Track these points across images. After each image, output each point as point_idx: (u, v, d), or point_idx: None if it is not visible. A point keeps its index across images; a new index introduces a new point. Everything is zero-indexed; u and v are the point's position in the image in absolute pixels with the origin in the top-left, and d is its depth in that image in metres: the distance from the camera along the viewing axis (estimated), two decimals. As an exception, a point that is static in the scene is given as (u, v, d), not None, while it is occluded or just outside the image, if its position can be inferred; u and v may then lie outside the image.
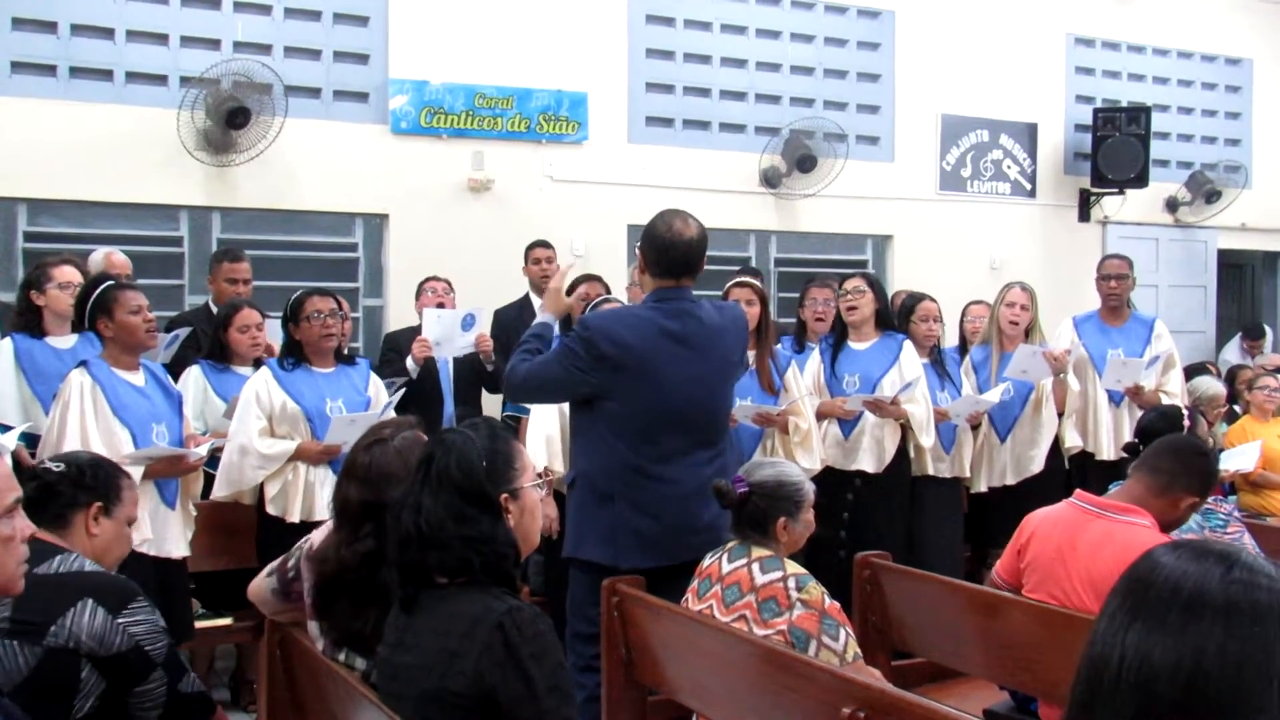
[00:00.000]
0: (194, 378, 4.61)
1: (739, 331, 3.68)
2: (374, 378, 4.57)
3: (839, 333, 5.04)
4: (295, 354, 4.32)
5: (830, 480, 4.63)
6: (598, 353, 3.38)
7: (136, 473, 3.77)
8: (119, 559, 2.64)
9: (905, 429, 4.93)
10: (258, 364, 4.61)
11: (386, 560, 2.40)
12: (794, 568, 2.93)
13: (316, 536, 2.67)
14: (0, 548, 1.82)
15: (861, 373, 4.91)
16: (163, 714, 2.39)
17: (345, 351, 5.06)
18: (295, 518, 4.15)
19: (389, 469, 2.47)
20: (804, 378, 4.84)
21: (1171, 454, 3.08)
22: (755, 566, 2.94)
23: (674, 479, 3.42)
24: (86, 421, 3.76)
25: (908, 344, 4.99)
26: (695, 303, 3.54)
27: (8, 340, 4.36)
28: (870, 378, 4.89)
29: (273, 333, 4.81)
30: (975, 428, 5.23)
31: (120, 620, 2.31)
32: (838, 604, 2.89)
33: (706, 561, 3.09)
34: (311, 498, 4.18)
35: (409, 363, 5.41)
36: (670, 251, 3.49)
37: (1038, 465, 5.27)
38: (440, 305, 5.59)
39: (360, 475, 2.50)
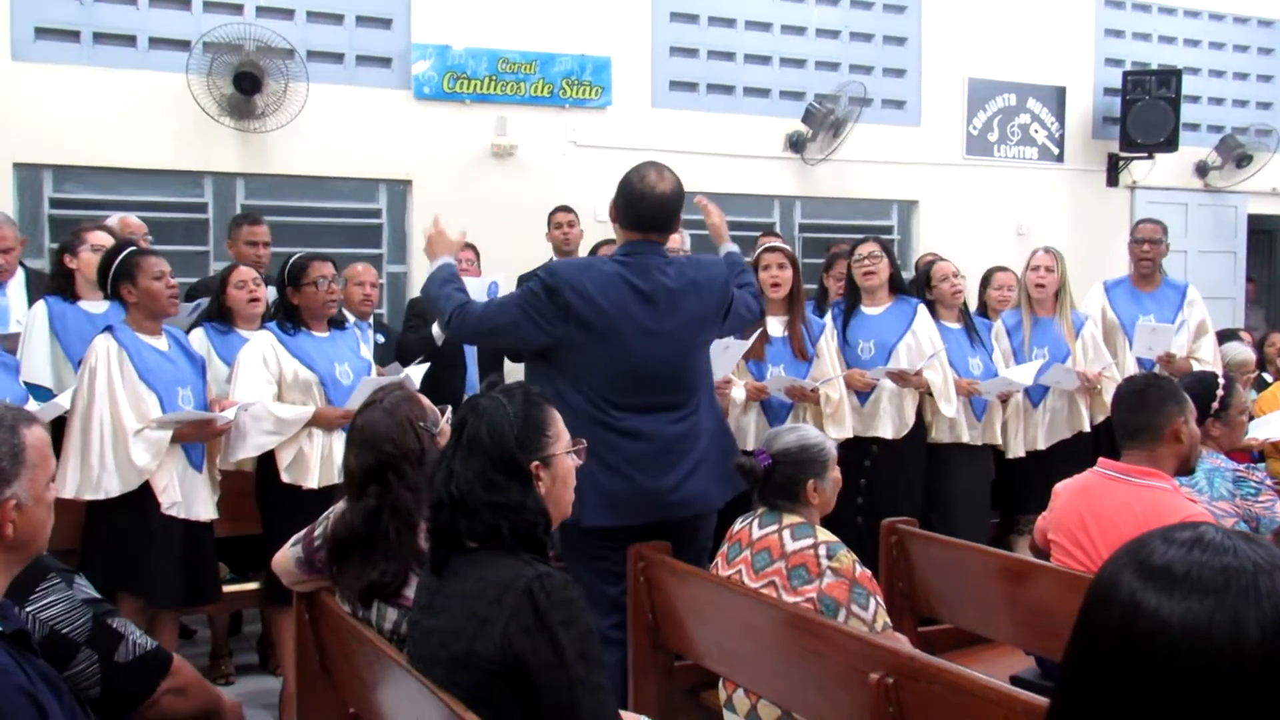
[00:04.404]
0: (197, 340, 4.51)
1: (715, 285, 3.48)
2: (362, 340, 4.54)
3: (850, 298, 5.00)
4: (293, 319, 4.25)
5: (847, 446, 4.60)
6: (562, 301, 3.24)
7: (165, 436, 3.82)
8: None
9: (923, 396, 4.92)
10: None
11: (391, 512, 2.52)
12: (825, 535, 2.90)
13: (341, 506, 2.71)
14: (45, 513, 1.88)
15: (876, 339, 4.88)
16: (104, 688, 2.17)
17: (369, 319, 5.08)
18: (313, 484, 4.11)
19: (379, 428, 2.60)
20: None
21: (1141, 406, 3.09)
22: (786, 533, 2.92)
23: (640, 433, 3.30)
24: (114, 387, 3.80)
25: (922, 308, 4.97)
26: (665, 259, 3.40)
27: (41, 303, 4.39)
28: (885, 344, 4.86)
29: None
30: (1005, 400, 5.19)
31: (29, 609, 2.08)
32: (869, 572, 2.86)
33: (737, 526, 3.07)
34: (330, 463, 4.10)
35: (434, 329, 5.39)
36: (639, 204, 3.34)
37: (1074, 428, 5.26)
38: (464, 273, 5.56)
39: (356, 440, 2.64)
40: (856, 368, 4.85)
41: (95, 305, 4.37)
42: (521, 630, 1.97)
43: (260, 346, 4.19)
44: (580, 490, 3.18)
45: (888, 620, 2.84)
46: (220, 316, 4.62)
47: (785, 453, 2.99)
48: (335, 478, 4.03)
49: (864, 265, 4.92)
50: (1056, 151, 8.80)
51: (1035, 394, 5.23)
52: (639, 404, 3.30)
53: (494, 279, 5.33)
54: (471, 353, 5.67)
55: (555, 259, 3.42)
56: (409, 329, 5.63)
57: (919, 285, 5.25)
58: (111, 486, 3.79)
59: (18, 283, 4.86)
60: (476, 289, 5.20)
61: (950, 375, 4.92)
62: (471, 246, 5.81)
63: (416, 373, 4.48)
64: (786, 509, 2.98)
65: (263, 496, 4.26)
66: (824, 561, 2.82)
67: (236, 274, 4.66)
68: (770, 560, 2.90)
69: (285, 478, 4.12)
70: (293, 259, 4.31)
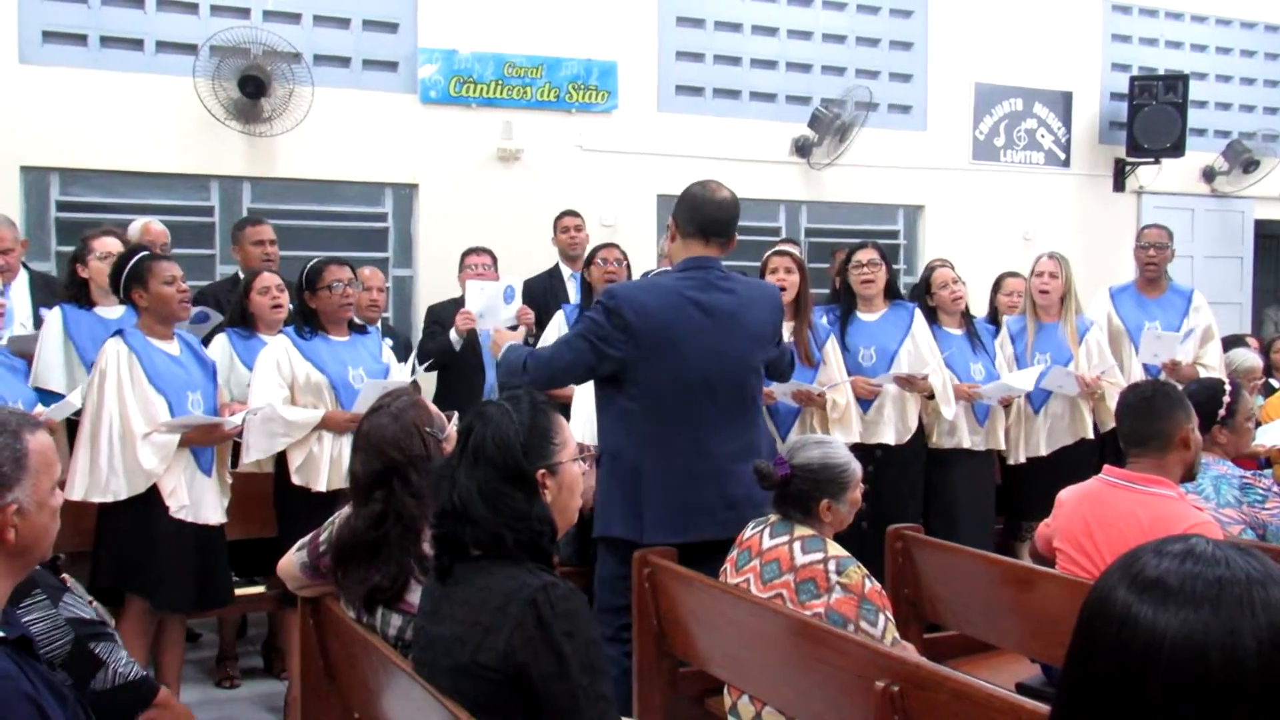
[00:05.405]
0: (220, 346, 4.61)
1: (771, 307, 3.60)
2: (385, 345, 4.57)
3: (845, 304, 4.99)
4: (311, 323, 4.30)
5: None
6: (622, 322, 3.32)
7: (173, 439, 3.83)
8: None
9: (923, 400, 4.92)
10: None
11: (396, 517, 2.52)
12: (835, 549, 2.86)
13: (346, 511, 2.71)
14: (50, 519, 1.87)
15: (877, 345, 4.87)
16: None
17: (377, 323, 5.08)
18: (322, 487, 4.15)
19: (385, 433, 2.60)
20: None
21: (1149, 414, 3.09)
22: (796, 545, 2.88)
23: (700, 452, 3.37)
24: (124, 390, 3.82)
25: (918, 313, 4.98)
26: (725, 275, 3.48)
27: (57, 310, 4.43)
28: (887, 350, 4.86)
29: None
30: (1007, 406, 5.18)
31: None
32: (879, 587, 2.82)
33: (748, 532, 3.05)
34: (340, 466, 4.14)
35: (452, 334, 5.39)
36: (703, 208, 3.45)
37: (1076, 434, 5.23)
38: (480, 277, 5.56)
39: (361, 445, 2.64)
40: (859, 375, 4.83)
41: (110, 311, 4.42)
42: (525, 640, 1.96)
43: (275, 351, 4.24)
44: (639, 507, 3.34)
45: (897, 635, 2.79)
46: (243, 322, 4.67)
47: (806, 466, 2.95)
48: (344, 481, 4.02)
49: (863, 272, 4.91)
50: (1063, 156, 8.79)
51: (1036, 400, 5.22)
52: (700, 421, 3.38)
53: (509, 284, 5.32)
54: (489, 358, 5.67)
55: (613, 283, 3.58)
56: (428, 336, 5.65)
57: (920, 291, 5.25)
58: (119, 489, 3.80)
59: (21, 284, 4.88)
60: (493, 293, 5.23)
61: (949, 378, 4.93)
62: (489, 252, 5.81)
63: (403, 371, 4.50)
64: (799, 520, 2.95)
65: (280, 500, 4.29)
66: (833, 577, 2.77)
67: (260, 280, 4.73)
68: (779, 572, 2.87)
69: (296, 479, 4.16)
70: (310, 263, 4.35)
